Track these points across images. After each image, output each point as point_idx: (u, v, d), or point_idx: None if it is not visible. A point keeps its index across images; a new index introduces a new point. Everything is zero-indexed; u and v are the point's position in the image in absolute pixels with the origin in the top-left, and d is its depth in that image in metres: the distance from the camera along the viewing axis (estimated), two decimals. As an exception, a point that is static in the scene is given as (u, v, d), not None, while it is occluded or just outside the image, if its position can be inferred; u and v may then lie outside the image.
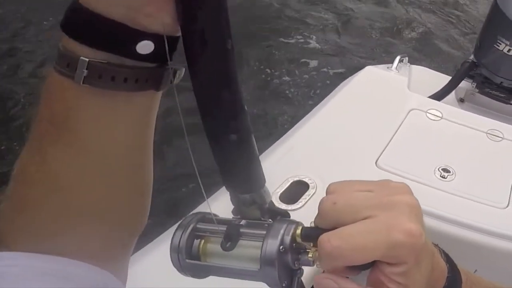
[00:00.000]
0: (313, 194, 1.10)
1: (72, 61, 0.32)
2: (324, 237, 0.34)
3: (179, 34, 0.34)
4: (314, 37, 4.06)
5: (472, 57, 1.97)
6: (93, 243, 0.39)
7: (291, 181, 1.14)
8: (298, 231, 0.37)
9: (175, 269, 0.40)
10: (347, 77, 1.75)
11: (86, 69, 0.32)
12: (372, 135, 1.39)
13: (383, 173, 1.22)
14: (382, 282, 0.34)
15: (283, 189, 1.12)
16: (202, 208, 0.41)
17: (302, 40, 4.01)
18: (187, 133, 0.38)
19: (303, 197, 1.09)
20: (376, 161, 1.28)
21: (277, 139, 1.34)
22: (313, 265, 0.38)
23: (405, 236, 0.32)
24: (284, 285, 0.37)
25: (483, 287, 0.47)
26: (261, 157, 0.40)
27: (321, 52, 3.92)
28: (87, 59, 0.32)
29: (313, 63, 3.76)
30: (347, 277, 0.36)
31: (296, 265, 0.38)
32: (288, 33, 4.03)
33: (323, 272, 0.37)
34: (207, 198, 0.40)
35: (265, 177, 0.40)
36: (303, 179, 1.14)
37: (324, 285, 0.35)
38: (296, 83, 3.50)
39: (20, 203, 0.38)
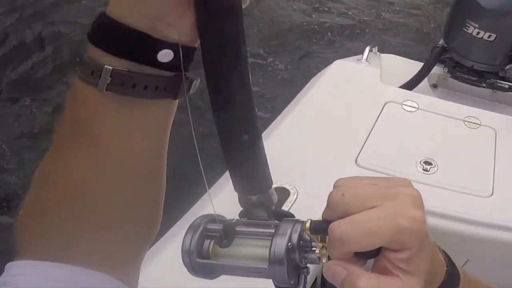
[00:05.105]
0: (295, 200, 1.14)
1: (97, 69, 0.37)
2: (334, 224, 0.38)
3: (196, 44, 0.40)
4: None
5: (441, 42, 2.07)
6: (106, 251, 0.43)
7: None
8: (307, 225, 0.41)
9: (180, 272, 0.43)
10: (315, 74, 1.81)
11: (110, 76, 0.37)
12: (349, 133, 1.44)
13: (365, 172, 1.27)
14: (387, 268, 0.39)
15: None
16: (208, 211, 0.46)
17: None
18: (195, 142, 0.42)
19: (285, 204, 1.12)
20: (356, 159, 1.33)
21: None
22: (319, 262, 0.41)
23: (409, 221, 0.37)
24: (292, 282, 0.41)
25: (479, 285, 0.53)
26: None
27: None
28: (111, 68, 0.37)
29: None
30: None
31: (303, 263, 0.42)
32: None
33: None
34: (212, 199, 0.45)
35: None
36: (283, 185, 1.18)
37: (333, 271, 0.39)
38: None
39: (39, 208, 0.41)
